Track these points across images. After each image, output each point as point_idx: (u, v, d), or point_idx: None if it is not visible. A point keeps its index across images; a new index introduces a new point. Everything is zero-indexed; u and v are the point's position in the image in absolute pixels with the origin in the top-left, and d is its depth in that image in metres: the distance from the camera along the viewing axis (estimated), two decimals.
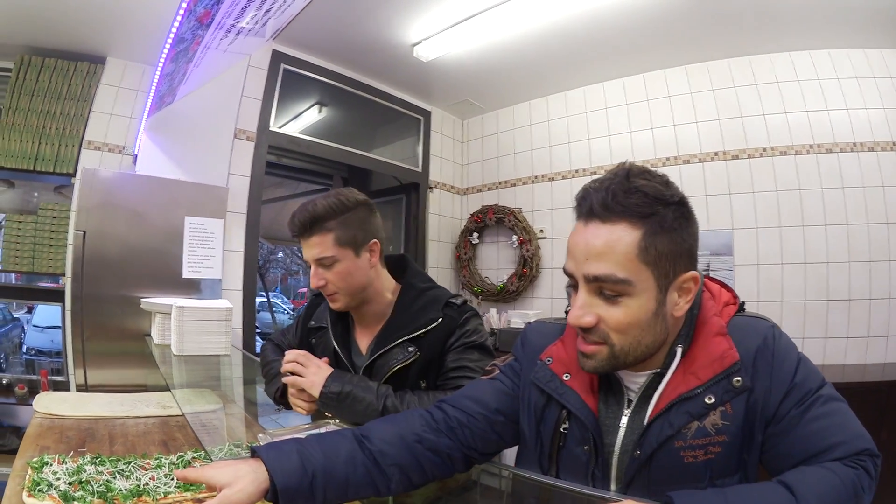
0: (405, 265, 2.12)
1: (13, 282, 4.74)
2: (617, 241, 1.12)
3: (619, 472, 1.25)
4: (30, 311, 9.70)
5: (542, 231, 5.94)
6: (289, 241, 9.98)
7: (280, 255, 15.52)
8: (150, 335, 3.77)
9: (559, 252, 5.77)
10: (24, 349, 8.31)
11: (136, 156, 4.34)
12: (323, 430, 1.70)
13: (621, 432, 1.26)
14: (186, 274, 4.22)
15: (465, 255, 6.41)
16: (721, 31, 4.45)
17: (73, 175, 4.24)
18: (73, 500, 2.03)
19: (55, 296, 4.37)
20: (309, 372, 1.83)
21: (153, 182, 4.20)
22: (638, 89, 5.36)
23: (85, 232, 3.87)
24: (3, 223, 4.31)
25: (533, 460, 1.40)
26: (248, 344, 4.64)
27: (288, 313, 12.16)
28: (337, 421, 1.82)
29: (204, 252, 4.30)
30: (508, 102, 6.33)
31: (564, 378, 1.33)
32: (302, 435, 1.59)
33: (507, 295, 6.05)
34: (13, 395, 4.43)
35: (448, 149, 6.69)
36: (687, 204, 1.19)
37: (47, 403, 3.18)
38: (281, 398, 2.05)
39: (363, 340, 2.06)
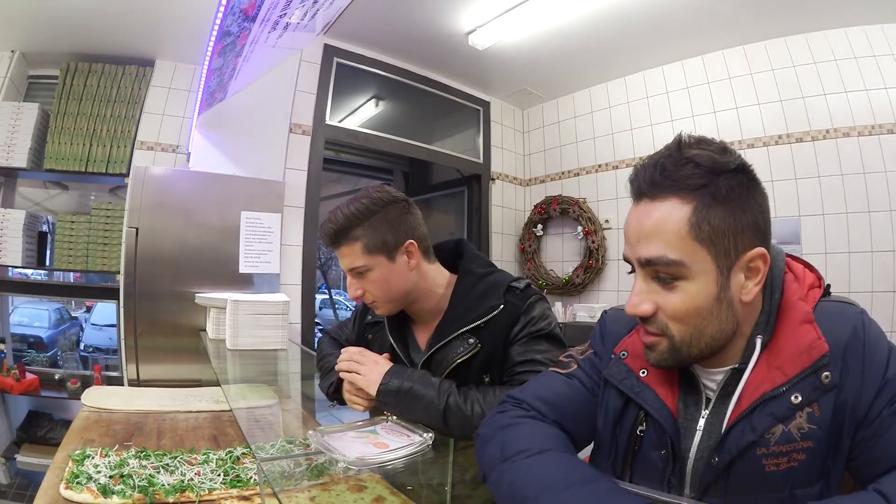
0: (462, 251, 1.95)
1: (71, 281, 4.82)
2: (666, 218, 1.03)
3: (694, 480, 1.13)
4: (89, 310, 9.98)
5: (607, 221, 5.78)
6: None
7: None
8: (204, 330, 3.78)
9: None
10: (81, 347, 8.53)
11: (190, 154, 4.35)
12: (378, 427, 1.62)
13: (698, 436, 1.14)
14: (243, 269, 4.17)
15: (529, 247, 6.30)
16: (775, 7, 4.25)
17: (126, 175, 4.27)
18: (113, 493, 2.00)
19: (111, 293, 4.41)
20: (366, 369, 1.71)
21: (207, 178, 4.17)
22: (698, 72, 5.17)
23: (137, 229, 3.85)
24: (55, 224, 4.36)
25: (606, 467, 1.27)
26: (307, 339, 4.60)
27: (350, 310, 12.13)
28: (395, 418, 1.68)
29: (261, 247, 4.24)
30: (568, 90, 6.17)
31: (641, 374, 1.21)
32: (355, 433, 1.56)
33: (573, 288, 5.91)
34: (65, 389, 4.53)
35: (509, 139, 6.58)
36: (748, 170, 1.06)
37: (96, 397, 3.17)
38: (335, 393, 1.92)
39: (421, 335, 1.92)
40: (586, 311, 5.49)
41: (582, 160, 6.11)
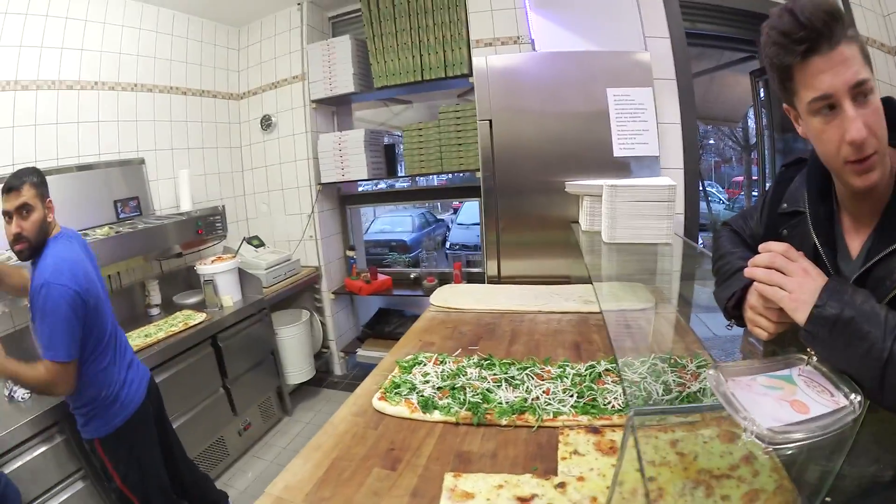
0: None
1: (435, 184, 5.09)
2: None
3: None
4: (455, 211, 10.64)
5: None
6: (722, 122, 9.15)
7: (711, 140, 13.09)
8: (576, 222, 3.56)
9: None
10: (447, 246, 9.10)
11: (534, 40, 4.13)
12: (795, 372, 1.11)
13: None
14: (618, 152, 3.71)
15: None
16: None
17: (470, 75, 4.26)
18: (436, 408, 1.82)
19: (473, 192, 4.62)
20: (794, 282, 1.12)
21: (557, 57, 3.81)
22: None
23: (490, 120, 3.74)
24: (402, 136, 4.64)
25: None
26: (689, 233, 4.00)
27: (723, 202, 11.27)
28: (816, 360, 1.12)
29: (635, 126, 3.73)
30: None
31: None
32: (765, 378, 1.11)
33: None
34: (421, 287, 4.90)
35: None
36: None
37: (447, 296, 3.20)
38: (734, 309, 1.38)
39: (853, 237, 1.28)
40: None
41: None
